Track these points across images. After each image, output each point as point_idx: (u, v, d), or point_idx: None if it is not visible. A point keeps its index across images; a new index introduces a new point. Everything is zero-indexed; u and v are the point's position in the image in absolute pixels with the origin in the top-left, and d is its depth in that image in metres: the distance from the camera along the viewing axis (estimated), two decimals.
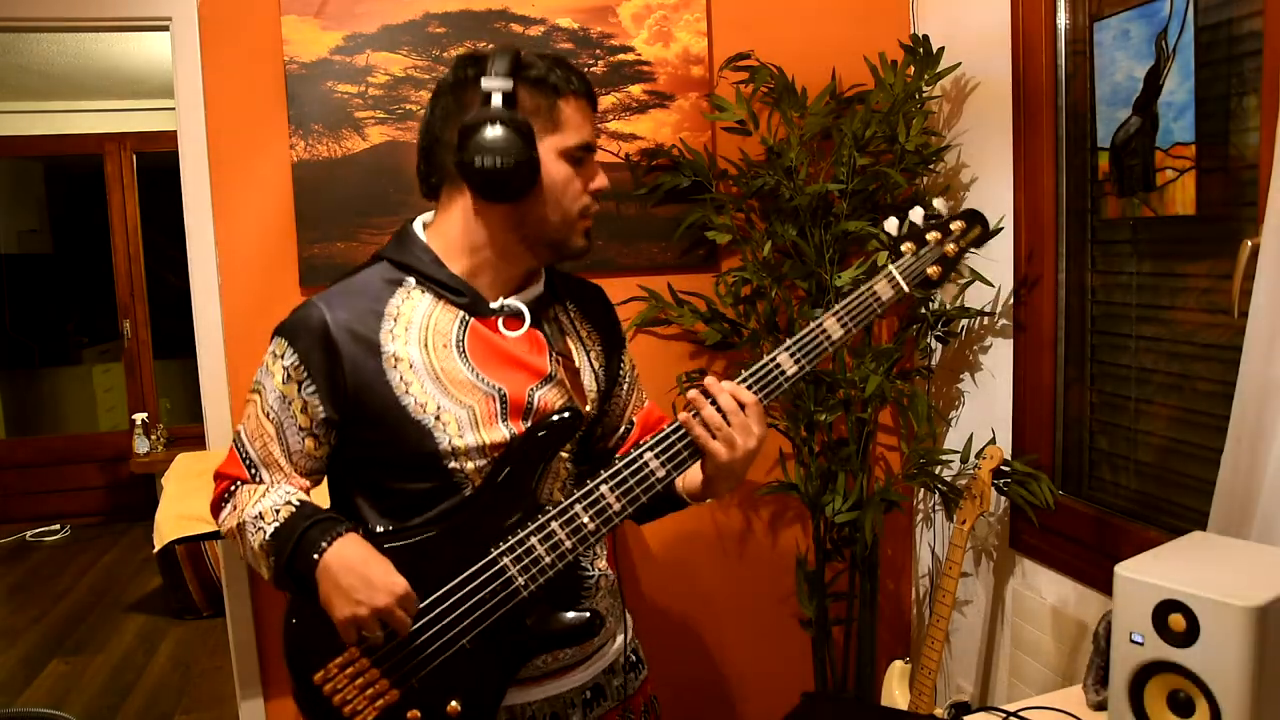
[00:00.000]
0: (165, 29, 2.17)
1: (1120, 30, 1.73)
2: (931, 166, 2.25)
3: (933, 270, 1.23)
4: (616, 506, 1.13)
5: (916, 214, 1.25)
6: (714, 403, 1.13)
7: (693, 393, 1.14)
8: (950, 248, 1.24)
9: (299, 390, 1.14)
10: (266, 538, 1.11)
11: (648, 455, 1.13)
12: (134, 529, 5.22)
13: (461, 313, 1.17)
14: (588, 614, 1.15)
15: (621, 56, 2.29)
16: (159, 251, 5.23)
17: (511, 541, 1.12)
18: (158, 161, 5.07)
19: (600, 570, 1.25)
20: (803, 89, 2.18)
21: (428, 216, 1.23)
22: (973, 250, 1.29)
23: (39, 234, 6.13)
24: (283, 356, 1.14)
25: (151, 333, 5.19)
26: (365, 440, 1.16)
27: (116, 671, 3.46)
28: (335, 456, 1.21)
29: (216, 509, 1.22)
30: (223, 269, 2.21)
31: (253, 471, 1.19)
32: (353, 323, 1.13)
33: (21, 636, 3.80)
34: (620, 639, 1.32)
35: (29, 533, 5.16)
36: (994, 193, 2.12)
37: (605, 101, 2.28)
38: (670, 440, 1.15)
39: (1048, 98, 1.94)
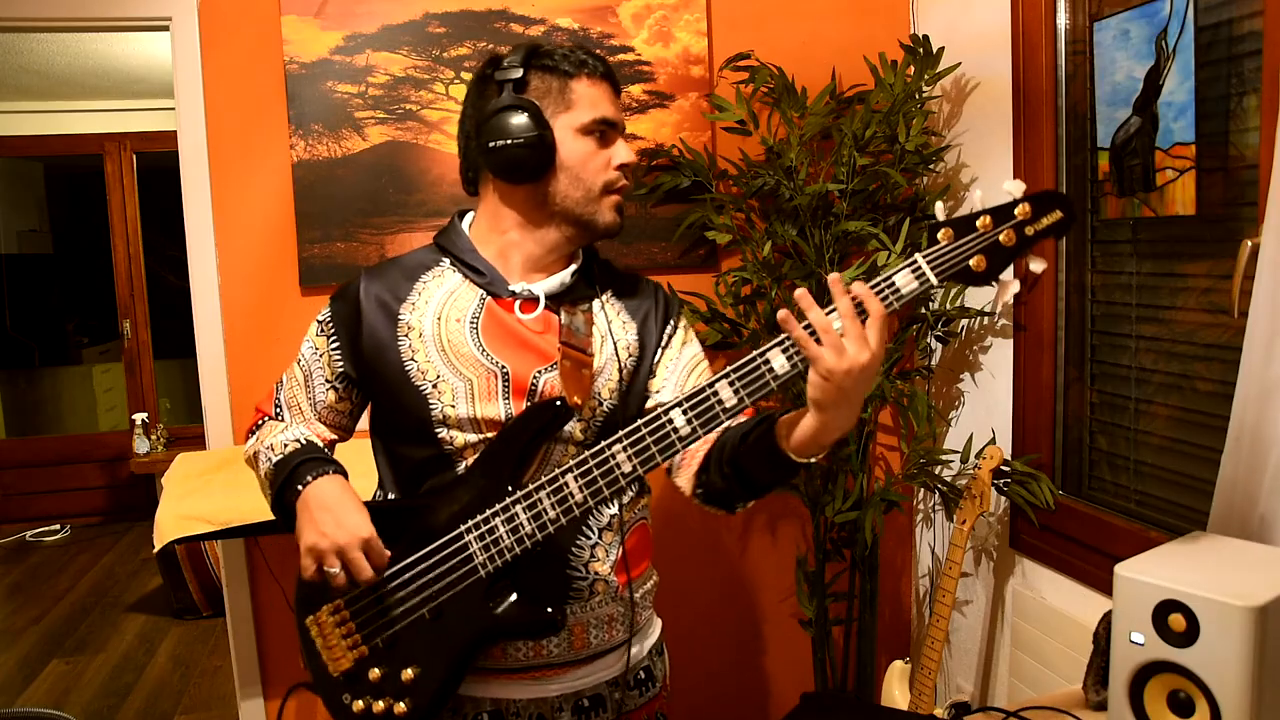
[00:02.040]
0: (165, 29, 2.17)
1: (1120, 30, 1.73)
2: (931, 166, 2.25)
3: (976, 262, 1.03)
4: (581, 495, 1.11)
5: (974, 196, 1.07)
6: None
7: (800, 292, 1.02)
8: (1007, 235, 1.03)
9: (327, 344, 1.26)
10: (271, 466, 1.22)
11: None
12: (134, 529, 5.22)
13: (481, 292, 1.22)
14: (546, 609, 1.14)
15: (621, 56, 2.29)
16: (159, 251, 5.23)
17: (478, 519, 1.14)
18: (158, 161, 5.07)
19: (597, 574, 1.22)
20: (803, 89, 2.18)
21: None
22: (1050, 239, 1.05)
23: (39, 234, 6.12)
24: (321, 314, 1.28)
25: (151, 333, 5.19)
26: (378, 402, 1.26)
27: (116, 671, 3.46)
28: (372, 423, 1.30)
29: (247, 437, 1.35)
30: (223, 269, 2.21)
31: (278, 411, 1.32)
32: (381, 292, 1.23)
33: (21, 636, 3.80)
34: (632, 651, 1.29)
35: (29, 533, 5.16)
36: (994, 193, 2.12)
37: None
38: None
39: (1048, 98, 1.94)
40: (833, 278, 1.01)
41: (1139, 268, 1.83)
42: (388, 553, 1.15)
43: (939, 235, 1.04)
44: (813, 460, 1.10)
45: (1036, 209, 1.04)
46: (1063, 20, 1.92)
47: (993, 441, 2.01)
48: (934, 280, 1.03)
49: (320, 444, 1.26)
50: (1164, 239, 1.77)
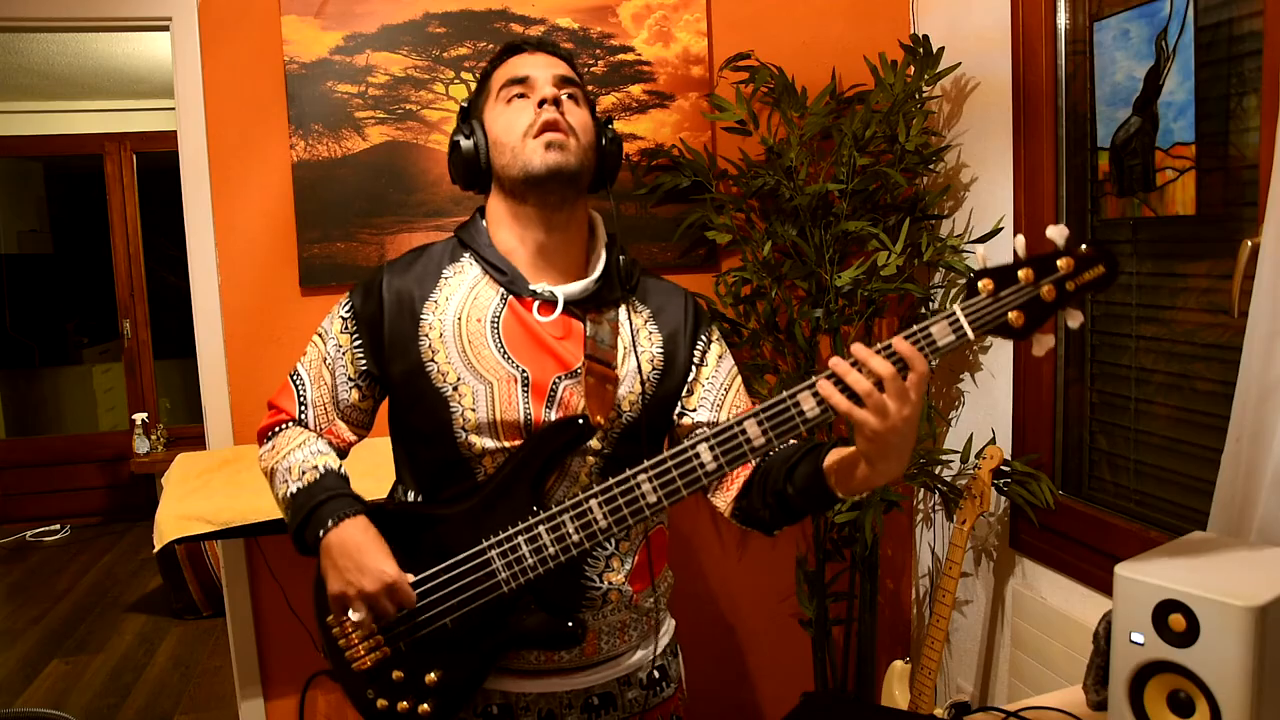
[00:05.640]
0: (165, 29, 2.17)
1: (1120, 30, 1.73)
2: (931, 166, 2.25)
3: (1014, 316, 0.98)
4: (605, 522, 1.11)
5: (1019, 243, 0.99)
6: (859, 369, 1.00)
7: (834, 359, 1.01)
8: (1047, 290, 0.97)
9: (350, 341, 1.24)
10: (289, 493, 1.20)
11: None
12: (134, 529, 5.22)
13: (502, 290, 1.21)
14: (568, 624, 1.16)
15: (621, 56, 2.29)
16: (159, 251, 5.23)
17: (501, 537, 1.14)
18: (158, 161, 5.07)
19: (612, 584, 1.22)
20: (803, 89, 2.18)
21: None
22: (1092, 295, 0.99)
23: (39, 234, 6.12)
24: (343, 308, 1.26)
25: (151, 333, 5.18)
26: (399, 400, 1.24)
27: (116, 671, 3.46)
28: (391, 420, 1.28)
29: (262, 438, 1.30)
30: (223, 269, 2.21)
31: (302, 410, 1.27)
32: (403, 287, 1.22)
33: (21, 636, 3.80)
34: (642, 653, 1.29)
35: (29, 533, 5.16)
36: (994, 193, 2.12)
37: (605, 101, 2.28)
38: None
39: (1048, 98, 1.94)
40: (856, 347, 1.00)
41: (1139, 268, 1.83)
42: (413, 594, 1.15)
43: (979, 285, 0.99)
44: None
45: (1080, 263, 0.98)
46: (1063, 20, 1.92)
47: (993, 441, 2.01)
48: (971, 335, 1.00)
49: (339, 468, 1.23)
50: (1164, 239, 1.77)
